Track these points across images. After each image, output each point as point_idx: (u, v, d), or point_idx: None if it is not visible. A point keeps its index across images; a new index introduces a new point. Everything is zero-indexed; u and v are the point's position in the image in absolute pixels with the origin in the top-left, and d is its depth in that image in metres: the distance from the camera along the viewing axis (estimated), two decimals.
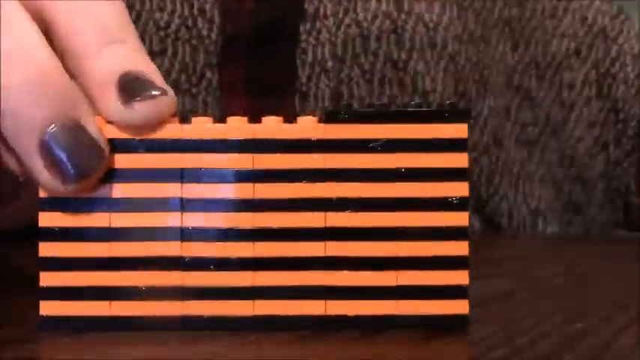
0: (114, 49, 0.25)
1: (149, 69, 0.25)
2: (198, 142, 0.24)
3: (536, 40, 0.55)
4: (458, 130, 0.24)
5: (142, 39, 0.49)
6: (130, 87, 0.24)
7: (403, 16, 0.51)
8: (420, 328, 0.24)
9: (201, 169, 0.24)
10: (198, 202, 0.24)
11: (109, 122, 0.24)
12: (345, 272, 0.24)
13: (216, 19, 0.50)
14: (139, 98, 0.24)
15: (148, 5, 0.50)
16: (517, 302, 0.30)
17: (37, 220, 0.24)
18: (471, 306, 0.24)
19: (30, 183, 0.25)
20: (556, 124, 0.55)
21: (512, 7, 0.55)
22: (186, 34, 0.50)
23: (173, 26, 0.50)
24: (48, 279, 0.24)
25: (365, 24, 0.51)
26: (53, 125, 0.23)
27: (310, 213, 0.24)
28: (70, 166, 0.23)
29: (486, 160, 0.54)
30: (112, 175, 0.24)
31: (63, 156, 0.23)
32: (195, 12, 0.50)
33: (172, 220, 0.24)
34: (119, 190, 0.24)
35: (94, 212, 0.24)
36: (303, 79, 0.50)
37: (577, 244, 0.44)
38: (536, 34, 0.55)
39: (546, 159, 0.55)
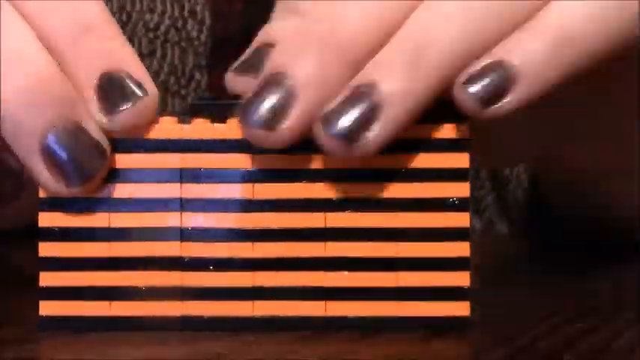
0: (89, 41, 0.24)
1: (126, 60, 0.24)
2: (198, 142, 0.24)
3: None
4: (460, 131, 0.24)
5: (132, 40, 0.49)
6: (110, 94, 0.24)
7: None
8: (420, 329, 0.24)
9: (200, 169, 0.24)
10: (197, 202, 0.24)
11: None
12: (345, 273, 0.24)
13: (207, 21, 0.50)
14: (119, 109, 0.24)
15: (138, 6, 0.50)
16: (517, 302, 0.30)
17: (37, 220, 0.24)
18: (471, 306, 0.24)
19: (30, 183, 0.25)
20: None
21: None
22: (176, 35, 0.50)
23: (163, 28, 0.50)
24: (48, 279, 0.24)
25: None
26: (54, 129, 0.23)
27: (310, 213, 0.24)
28: (72, 169, 0.23)
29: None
30: (112, 175, 0.24)
31: (65, 159, 0.23)
32: (186, 13, 0.50)
33: (172, 220, 0.24)
34: (119, 190, 0.24)
35: (94, 212, 0.24)
36: None
37: (577, 244, 0.44)
38: None
39: None
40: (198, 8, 0.50)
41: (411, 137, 0.24)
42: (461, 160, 0.24)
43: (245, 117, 0.23)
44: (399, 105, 0.23)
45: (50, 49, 0.24)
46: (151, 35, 0.50)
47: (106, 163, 0.24)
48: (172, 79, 0.50)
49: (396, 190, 0.24)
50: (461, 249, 0.24)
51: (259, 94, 0.23)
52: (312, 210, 0.24)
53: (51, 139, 0.23)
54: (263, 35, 0.25)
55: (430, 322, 0.24)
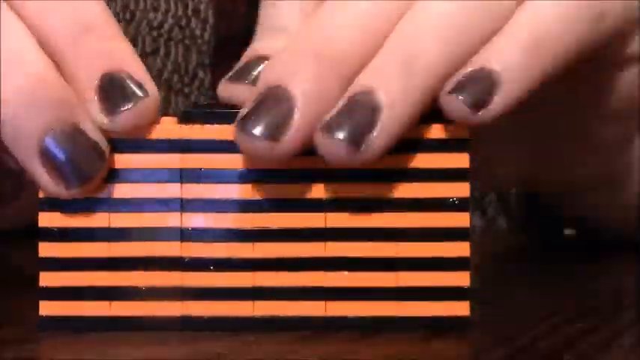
0: (89, 41, 0.24)
1: (127, 60, 0.24)
2: (199, 142, 0.24)
3: None
4: (459, 131, 0.24)
5: (135, 39, 0.49)
6: (111, 95, 0.24)
7: None
8: (420, 330, 0.24)
9: (201, 169, 0.24)
10: (198, 202, 0.24)
11: None
12: (345, 273, 0.24)
13: (210, 20, 0.50)
14: (120, 109, 0.24)
15: (141, 5, 0.50)
16: (517, 302, 0.29)
17: (37, 220, 0.24)
18: (472, 305, 0.24)
19: (30, 183, 0.25)
20: None
21: None
22: (180, 34, 0.50)
23: (166, 26, 0.50)
24: (48, 279, 0.24)
25: None
26: (52, 131, 0.23)
27: (310, 213, 0.24)
28: (71, 171, 0.23)
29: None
30: (112, 175, 0.24)
31: (63, 161, 0.23)
32: (190, 12, 0.50)
33: (172, 220, 0.24)
34: (119, 190, 0.24)
35: (93, 212, 0.24)
36: None
37: (577, 244, 0.44)
38: None
39: None
40: (202, 7, 0.50)
41: (411, 137, 0.24)
42: (461, 160, 0.24)
43: (246, 130, 0.23)
44: (399, 108, 0.23)
45: (50, 49, 0.24)
46: (155, 34, 0.50)
47: (104, 164, 0.24)
48: (176, 78, 0.50)
49: (396, 190, 0.24)
50: (461, 249, 0.24)
51: (258, 108, 0.23)
52: (312, 210, 0.24)
53: (49, 142, 0.23)
54: (252, 52, 0.26)
55: (430, 321, 0.24)
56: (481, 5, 0.25)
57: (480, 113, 0.24)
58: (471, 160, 0.24)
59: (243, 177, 0.24)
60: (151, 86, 0.24)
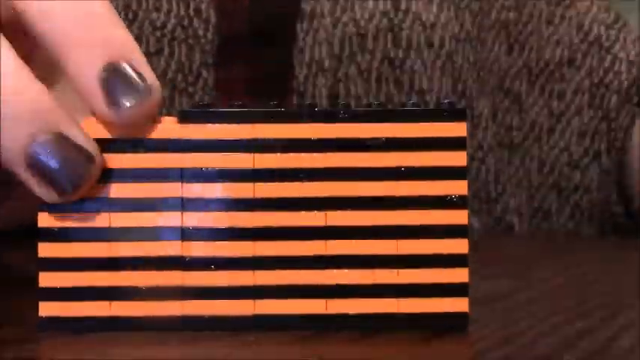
0: (90, 29, 0.24)
1: (129, 50, 0.24)
2: (199, 142, 0.24)
3: (531, 45, 0.55)
4: (457, 129, 0.24)
5: (139, 39, 0.49)
6: (115, 87, 0.23)
7: (400, 15, 0.51)
8: (420, 326, 0.24)
9: (201, 168, 0.24)
10: (198, 201, 0.24)
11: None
12: (346, 271, 0.24)
13: (212, 19, 0.50)
14: (124, 103, 0.23)
15: (144, 5, 0.50)
16: (517, 302, 0.29)
17: (28, 220, 0.24)
18: (472, 306, 0.24)
19: (20, 183, 0.24)
20: (541, 132, 0.55)
21: (509, 11, 0.55)
22: (183, 33, 0.50)
23: (169, 26, 0.50)
24: (47, 280, 0.24)
25: (362, 22, 0.51)
26: (34, 143, 0.23)
27: (311, 212, 0.24)
28: (60, 179, 0.23)
29: (492, 159, 0.53)
30: (112, 175, 0.24)
31: (51, 170, 0.23)
32: (192, 12, 0.50)
33: (173, 219, 0.24)
34: (119, 190, 0.24)
35: (94, 212, 0.24)
36: (301, 79, 0.50)
37: (576, 244, 0.44)
38: (531, 40, 0.55)
39: (526, 164, 0.55)
40: (204, 7, 0.50)
41: (409, 136, 0.24)
42: (458, 158, 0.24)
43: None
44: None
45: (53, 40, 0.24)
46: (158, 34, 0.50)
47: (94, 167, 0.24)
48: (180, 77, 0.50)
49: (395, 189, 0.24)
50: (459, 246, 0.24)
51: None
52: (312, 209, 0.24)
53: (34, 152, 0.23)
54: None
55: (430, 318, 0.24)
56: None
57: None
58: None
59: (244, 176, 0.24)
60: (152, 78, 0.24)
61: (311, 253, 0.24)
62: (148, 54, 0.50)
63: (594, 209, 0.54)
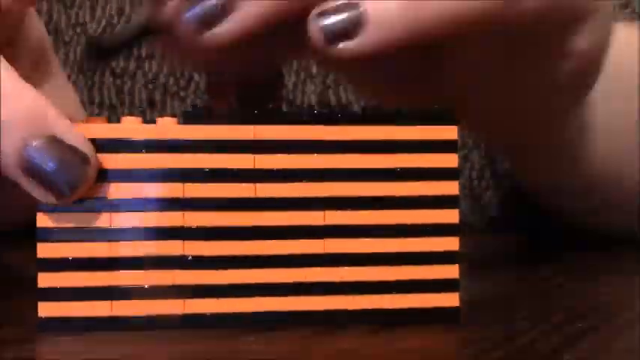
0: (9, 105, 0.23)
1: (51, 121, 0.23)
2: (199, 142, 0.24)
3: None
4: (448, 132, 0.25)
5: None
6: (41, 173, 0.23)
7: None
8: (414, 321, 0.25)
9: (201, 169, 0.24)
10: (199, 201, 0.24)
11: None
12: (343, 268, 0.25)
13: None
14: (61, 190, 0.23)
15: (137, 8, 0.50)
16: (517, 302, 0.30)
17: (17, 220, 0.24)
18: (472, 306, 0.24)
19: (7, 182, 0.24)
20: None
21: None
22: None
23: None
24: (46, 280, 0.24)
25: None
26: (28, 147, 0.23)
27: (309, 211, 0.25)
28: (56, 182, 0.23)
29: (476, 156, 0.53)
30: (112, 175, 0.24)
31: (48, 173, 0.23)
32: None
33: (173, 219, 0.24)
34: (119, 190, 0.24)
35: (93, 212, 0.24)
36: (290, 86, 0.50)
37: (577, 244, 0.44)
38: None
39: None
40: None
41: (403, 139, 0.25)
42: (449, 160, 0.25)
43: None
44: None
45: None
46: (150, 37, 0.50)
47: (89, 168, 0.23)
48: (172, 81, 0.50)
49: (390, 189, 0.25)
50: (450, 243, 0.25)
51: None
52: (311, 208, 0.24)
53: (28, 156, 0.23)
54: None
55: (423, 313, 0.25)
56: None
57: (335, 47, 0.24)
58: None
59: (245, 176, 0.24)
60: (82, 143, 0.23)
61: (310, 251, 0.25)
62: (139, 57, 0.50)
63: None
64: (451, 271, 0.25)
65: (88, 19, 0.51)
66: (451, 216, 0.25)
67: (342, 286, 0.25)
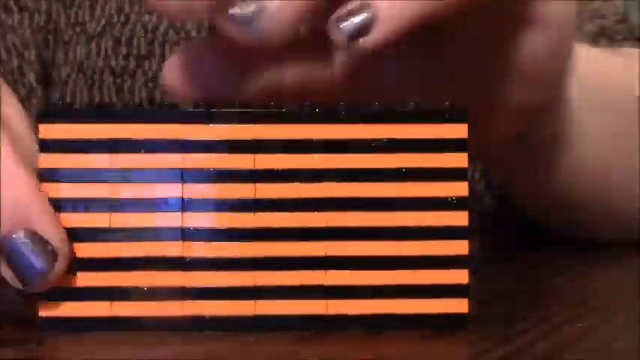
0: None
1: (27, 213, 0.23)
2: (199, 142, 0.24)
3: None
4: (458, 130, 0.24)
5: (130, 42, 0.49)
6: (14, 268, 0.23)
7: None
8: (419, 327, 0.24)
9: (201, 169, 0.24)
10: (199, 202, 0.24)
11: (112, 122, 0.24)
12: (346, 272, 0.24)
13: (205, 22, 0.50)
14: (25, 286, 0.23)
15: (136, 8, 0.50)
16: (517, 302, 0.30)
17: None
18: (472, 306, 0.24)
19: None
20: None
21: None
22: (175, 36, 0.50)
23: (161, 28, 0.50)
24: None
25: None
26: (8, 237, 0.23)
27: (311, 213, 0.24)
28: (27, 275, 0.23)
29: (470, 169, 0.53)
30: (112, 176, 0.24)
31: (19, 266, 0.23)
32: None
33: (173, 220, 0.24)
34: (119, 190, 0.24)
35: (93, 212, 0.24)
36: None
37: (577, 244, 0.44)
38: None
39: None
40: None
41: (410, 137, 0.24)
42: (459, 159, 0.24)
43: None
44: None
45: None
46: (150, 36, 0.50)
47: (56, 264, 0.23)
48: None
49: (395, 190, 0.24)
50: (459, 247, 0.24)
51: None
52: (312, 210, 0.24)
53: (9, 246, 0.23)
54: None
55: (429, 319, 0.24)
56: None
57: (357, 43, 0.26)
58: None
59: (245, 177, 0.24)
60: (56, 237, 0.23)
61: (311, 254, 0.24)
62: (139, 57, 0.50)
63: None
64: (460, 276, 0.24)
65: (87, 18, 0.51)
66: (460, 218, 0.24)
67: (344, 289, 0.24)
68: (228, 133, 0.24)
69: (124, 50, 0.49)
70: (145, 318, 0.24)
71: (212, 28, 0.50)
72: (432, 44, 0.32)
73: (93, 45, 0.50)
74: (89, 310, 0.24)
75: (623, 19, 0.52)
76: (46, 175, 0.24)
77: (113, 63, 0.51)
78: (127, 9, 0.50)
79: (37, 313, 0.24)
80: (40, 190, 0.24)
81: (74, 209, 0.24)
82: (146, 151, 0.24)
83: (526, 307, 0.29)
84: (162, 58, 0.50)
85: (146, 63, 0.50)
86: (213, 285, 0.24)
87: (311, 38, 0.29)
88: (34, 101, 0.49)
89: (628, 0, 0.55)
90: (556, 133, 0.38)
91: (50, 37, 0.50)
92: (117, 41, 0.49)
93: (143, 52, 0.50)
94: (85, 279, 0.24)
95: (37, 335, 0.24)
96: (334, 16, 0.26)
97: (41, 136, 0.24)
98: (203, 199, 0.24)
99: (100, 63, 0.50)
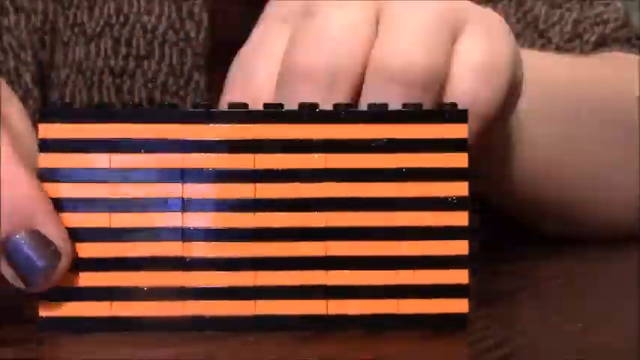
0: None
1: (30, 214, 0.24)
2: (199, 142, 0.24)
3: None
4: (458, 130, 0.24)
5: (129, 42, 0.49)
6: (17, 268, 0.23)
7: None
8: (420, 327, 0.24)
9: (201, 169, 0.24)
10: (199, 202, 0.24)
11: (112, 122, 0.24)
12: (346, 272, 0.24)
13: (204, 22, 0.50)
14: (28, 286, 0.23)
15: (135, 8, 0.50)
16: (517, 302, 0.30)
17: None
18: (472, 306, 0.24)
19: None
20: None
21: None
22: (174, 36, 0.50)
23: (160, 29, 0.50)
24: None
25: None
26: (12, 237, 0.23)
27: (311, 213, 0.24)
28: (29, 275, 0.23)
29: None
30: (112, 176, 0.24)
31: (22, 266, 0.23)
32: (184, 14, 0.50)
33: (173, 220, 0.24)
34: (119, 190, 0.24)
35: (93, 212, 0.24)
36: None
37: (577, 244, 0.44)
38: None
39: None
40: (196, 9, 0.50)
41: (410, 137, 0.24)
42: (459, 159, 0.24)
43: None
44: None
45: None
46: (149, 37, 0.50)
47: (62, 264, 0.23)
48: (171, 80, 0.50)
49: (395, 190, 0.24)
50: (459, 247, 0.24)
51: None
52: (312, 210, 0.24)
53: (12, 246, 0.23)
54: None
55: (429, 319, 0.24)
56: None
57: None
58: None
59: (245, 177, 0.24)
60: (59, 238, 0.24)
61: (311, 254, 0.24)
62: (138, 57, 0.50)
63: None
64: (460, 276, 0.24)
65: (86, 19, 0.51)
66: (460, 218, 0.24)
67: (344, 289, 0.24)
68: (228, 133, 0.24)
69: (123, 51, 0.49)
70: (145, 318, 0.24)
71: (211, 29, 0.50)
72: None
73: (92, 46, 0.50)
74: (89, 310, 0.24)
75: (624, 24, 0.52)
76: (46, 175, 0.24)
77: (112, 63, 0.51)
78: (125, 9, 0.50)
79: (37, 313, 0.24)
80: (41, 190, 0.24)
81: (74, 209, 0.24)
82: (146, 151, 0.24)
83: (526, 307, 0.29)
84: (162, 59, 0.50)
85: (145, 63, 0.50)
86: (213, 285, 0.24)
87: None
88: (31, 102, 0.49)
89: (628, 0, 0.55)
90: (509, 137, 0.39)
91: (47, 38, 0.50)
92: (116, 42, 0.49)
93: (142, 52, 0.50)
94: (85, 279, 0.24)
95: (37, 335, 0.24)
96: None
97: (41, 135, 0.24)
98: (203, 199, 0.24)
99: (100, 64, 0.50)
